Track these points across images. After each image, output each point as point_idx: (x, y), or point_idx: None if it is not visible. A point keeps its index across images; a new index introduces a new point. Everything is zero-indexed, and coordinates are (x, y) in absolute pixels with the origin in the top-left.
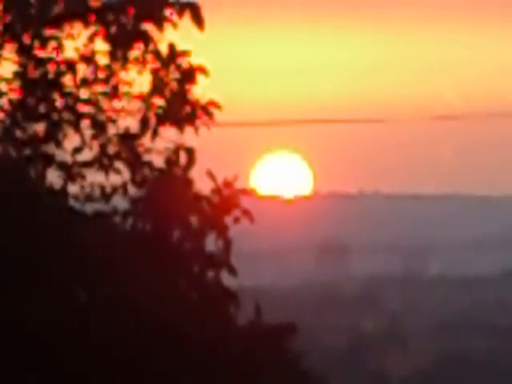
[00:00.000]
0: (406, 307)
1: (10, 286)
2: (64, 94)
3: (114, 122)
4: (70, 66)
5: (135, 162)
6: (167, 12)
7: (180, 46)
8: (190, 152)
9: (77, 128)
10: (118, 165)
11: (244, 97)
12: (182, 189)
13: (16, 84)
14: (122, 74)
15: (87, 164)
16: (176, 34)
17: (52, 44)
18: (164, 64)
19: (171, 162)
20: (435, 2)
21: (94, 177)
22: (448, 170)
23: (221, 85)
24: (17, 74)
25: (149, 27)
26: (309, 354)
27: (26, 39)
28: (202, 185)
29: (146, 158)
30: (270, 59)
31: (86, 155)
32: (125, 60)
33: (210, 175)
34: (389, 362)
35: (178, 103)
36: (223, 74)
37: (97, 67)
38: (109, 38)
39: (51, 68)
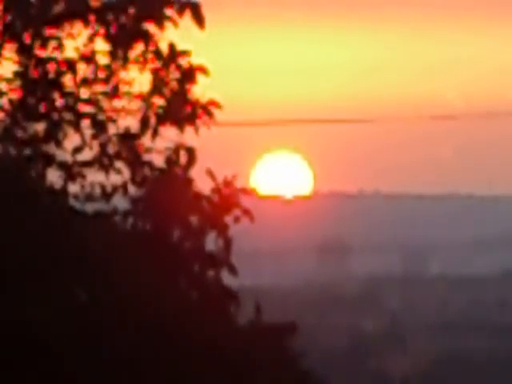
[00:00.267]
0: (405, 307)
1: (10, 286)
2: (64, 94)
3: (114, 121)
4: (71, 65)
5: (135, 162)
6: (168, 11)
7: (180, 46)
8: (191, 152)
9: (77, 128)
10: (118, 164)
11: (244, 97)
12: (182, 188)
13: (16, 84)
14: (123, 74)
15: (87, 164)
16: (176, 33)
17: (52, 44)
18: (164, 64)
19: (171, 161)
20: (435, 2)
21: (95, 176)
22: (448, 170)
23: (221, 84)
24: (17, 74)
25: (149, 27)
26: (309, 353)
27: (27, 39)
28: (202, 184)
29: (146, 157)
30: (269, 59)
31: (86, 155)
32: (125, 60)
33: (210, 175)
34: (389, 362)
35: (178, 103)
36: (223, 74)
37: (97, 67)
38: (109, 38)
39: (51, 68)
